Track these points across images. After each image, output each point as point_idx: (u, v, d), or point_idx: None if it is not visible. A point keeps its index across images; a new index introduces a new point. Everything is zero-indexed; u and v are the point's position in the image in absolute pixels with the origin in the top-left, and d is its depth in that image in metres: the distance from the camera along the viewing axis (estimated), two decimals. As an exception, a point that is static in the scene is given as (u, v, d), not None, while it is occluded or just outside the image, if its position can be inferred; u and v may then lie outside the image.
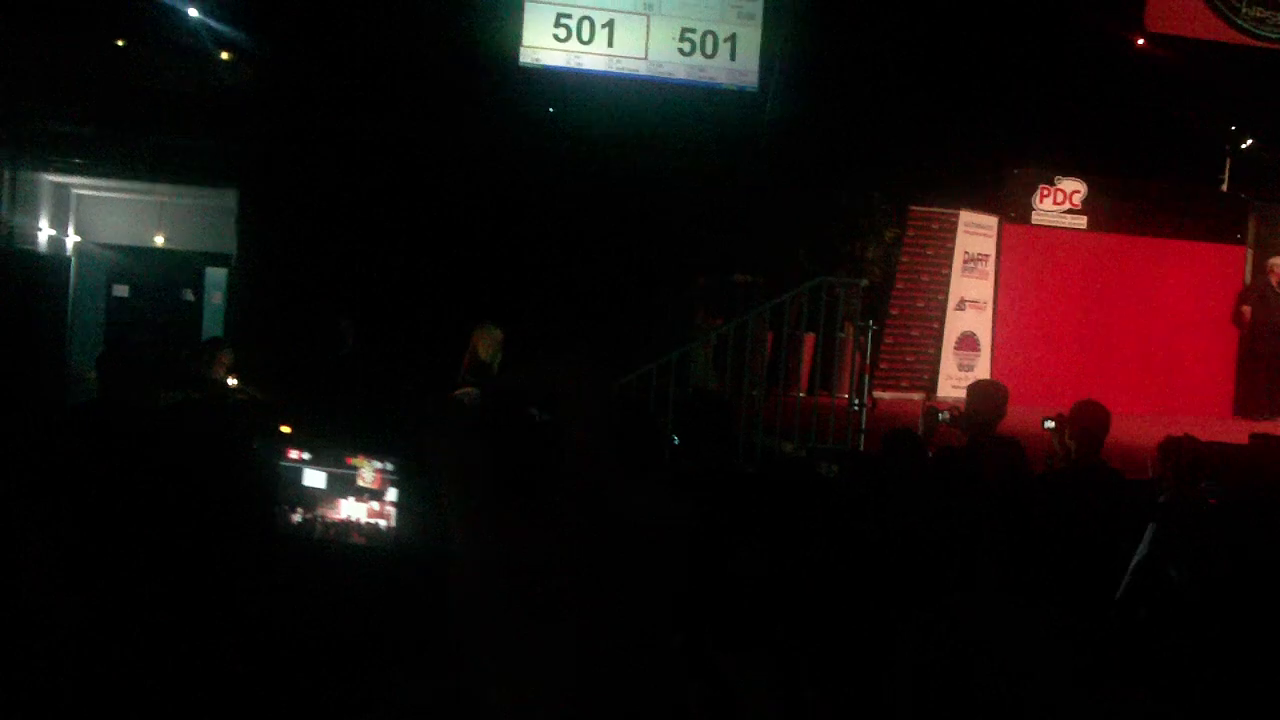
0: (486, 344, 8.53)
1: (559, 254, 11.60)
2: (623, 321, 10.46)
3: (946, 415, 6.10)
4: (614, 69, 12.08)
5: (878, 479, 5.06)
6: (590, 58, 11.99)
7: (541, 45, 11.89)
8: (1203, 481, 5.19)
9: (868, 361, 9.51)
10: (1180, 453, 5.17)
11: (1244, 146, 12.86)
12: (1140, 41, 12.61)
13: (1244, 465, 5.76)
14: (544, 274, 11.52)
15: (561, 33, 11.91)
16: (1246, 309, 12.02)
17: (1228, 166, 12.86)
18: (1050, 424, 5.52)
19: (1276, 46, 12.71)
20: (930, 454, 5.56)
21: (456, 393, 8.15)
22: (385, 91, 11.54)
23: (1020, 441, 5.54)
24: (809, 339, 10.94)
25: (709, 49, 12.27)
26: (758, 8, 12.29)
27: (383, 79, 11.48)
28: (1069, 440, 5.33)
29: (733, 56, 12.31)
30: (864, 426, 8.30)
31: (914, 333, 11.52)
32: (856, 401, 8.57)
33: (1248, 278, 12.36)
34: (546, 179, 11.57)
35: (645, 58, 12.14)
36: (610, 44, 12.03)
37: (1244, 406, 11.82)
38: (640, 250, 11.67)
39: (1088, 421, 5.31)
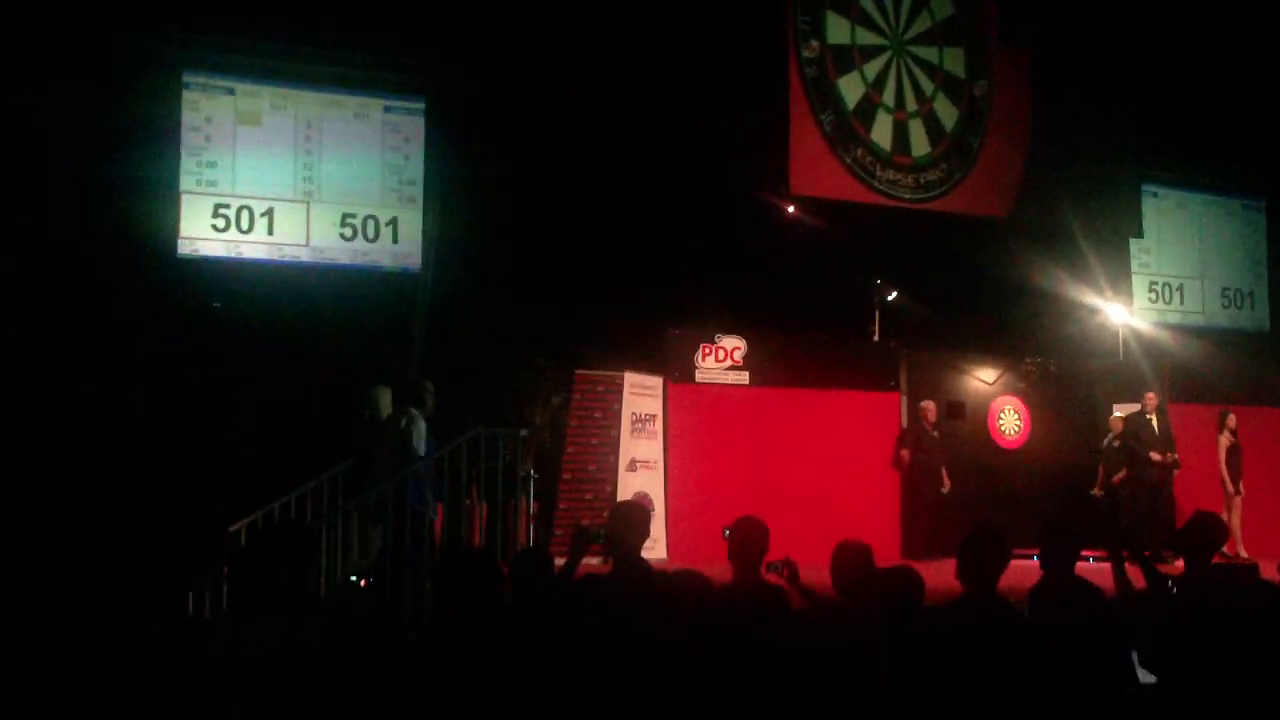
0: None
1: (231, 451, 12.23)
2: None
3: (602, 533, 6.97)
4: (276, 257, 13.05)
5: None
6: (250, 246, 12.92)
7: (200, 235, 12.72)
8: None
9: (532, 514, 10.62)
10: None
11: (890, 298, 14.81)
12: (791, 209, 14.59)
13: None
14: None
15: (220, 222, 12.79)
16: (905, 452, 13.70)
17: (876, 317, 14.67)
18: (779, 566, 6.19)
19: (909, 205, 14.87)
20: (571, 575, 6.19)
21: None
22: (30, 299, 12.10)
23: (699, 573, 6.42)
24: (483, 508, 11.99)
25: (371, 233, 13.45)
26: (418, 190, 13.58)
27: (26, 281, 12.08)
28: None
29: (395, 239, 13.48)
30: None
31: (588, 496, 12.61)
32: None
33: (903, 422, 14.11)
34: (211, 373, 12.35)
35: (307, 244, 13.21)
36: (271, 232, 13.01)
37: (910, 547, 13.31)
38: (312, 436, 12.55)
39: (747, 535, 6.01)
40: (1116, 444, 13.79)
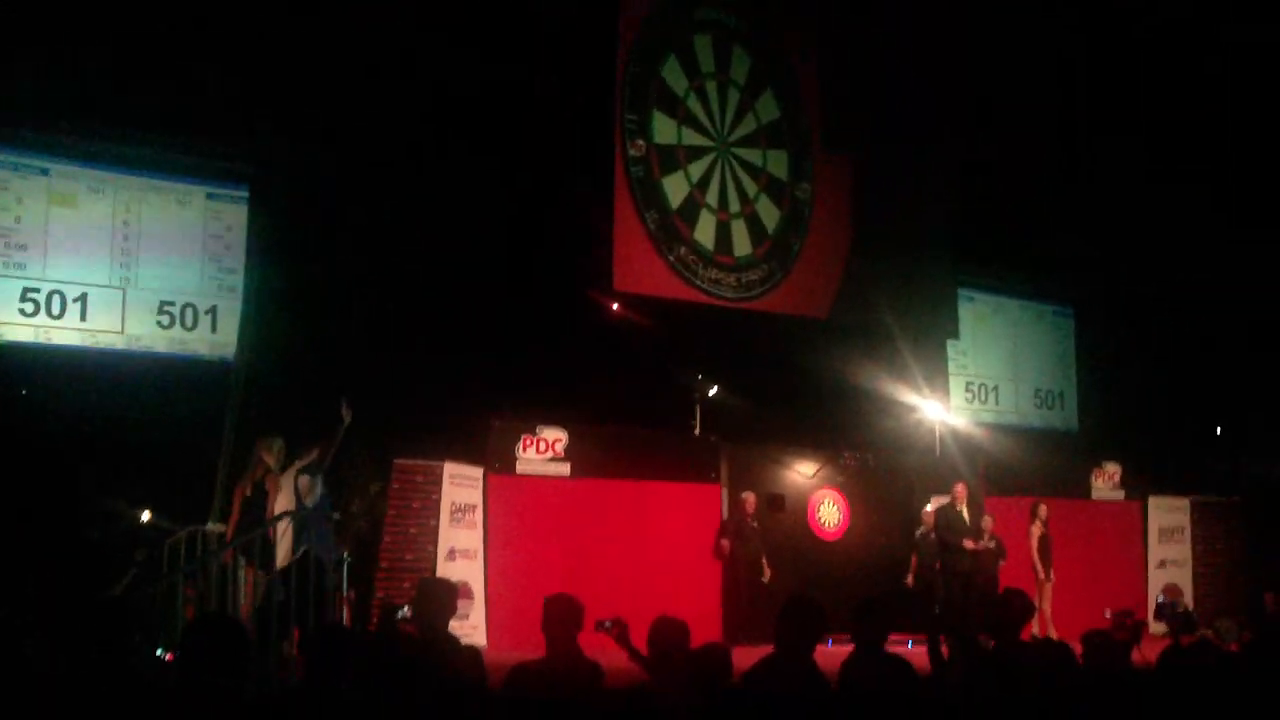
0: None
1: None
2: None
3: (405, 612, 7.12)
4: (89, 344, 12.90)
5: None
6: (62, 333, 12.76)
7: (6, 320, 12.48)
8: None
9: (348, 599, 10.75)
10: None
11: (710, 394, 15.33)
12: (615, 305, 15.06)
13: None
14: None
15: (29, 307, 12.58)
16: (725, 542, 14.12)
17: (698, 412, 15.11)
18: (608, 625, 6.65)
19: (730, 304, 15.49)
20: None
21: None
22: None
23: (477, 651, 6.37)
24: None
25: (189, 322, 13.44)
26: (239, 280, 13.65)
27: None
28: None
29: (214, 328, 13.48)
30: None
31: (405, 584, 12.73)
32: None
33: (724, 513, 14.56)
34: (19, 460, 12.18)
35: (122, 331, 13.17)
36: (84, 318, 12.84)
37: (730, 635, 13.61)
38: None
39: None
40: (932, 535, 14.43)
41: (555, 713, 5.59)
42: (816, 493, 15.53)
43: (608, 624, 6.68)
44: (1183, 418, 16.96)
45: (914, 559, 14.67)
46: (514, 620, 12.33)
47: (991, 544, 14.22)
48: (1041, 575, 14.49)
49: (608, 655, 6.31)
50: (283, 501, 10.84)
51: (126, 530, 12.29)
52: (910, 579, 14.58)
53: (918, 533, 14.74)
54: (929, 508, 14.77)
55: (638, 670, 6.57)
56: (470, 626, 12.57)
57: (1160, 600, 13.75)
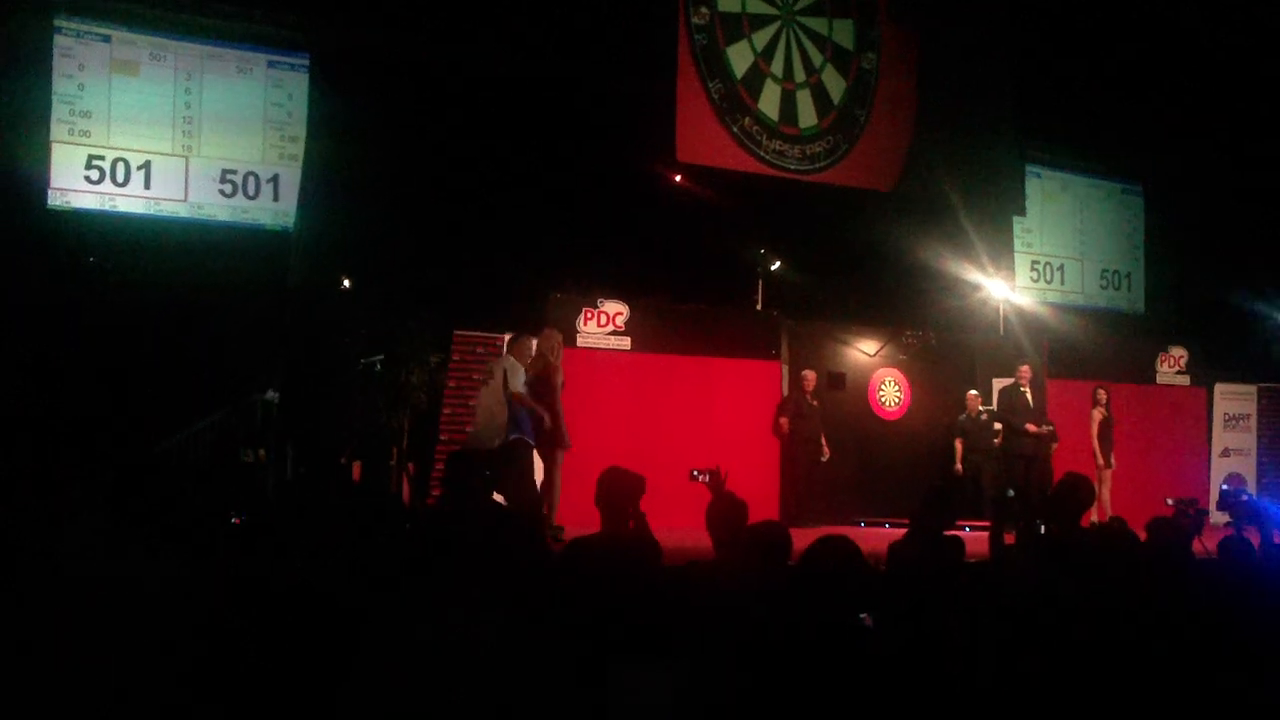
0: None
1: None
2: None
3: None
4: (152, 211, 13.30)
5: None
6: (126, 200, 13.13)
7: (72, 187, 12.87)
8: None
9: (409, 474, 11.14)
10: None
11: (773, 268, 15.50)
12: (678, 177, 15.17)
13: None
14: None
15: (94, 174, 12.93)
16: (784, 420, 14.38)
17: (760, 286, 15.31)
18: (702, 475, 6.67)
19: (794, 176, 15.57)
20: None
21: None
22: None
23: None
24: (356, 467, 12.48)
25: (251, 190, 13.75)
26: (300, 148, 13.89)
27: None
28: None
29: (276, 197, 13.82)
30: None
31: (466, 457, 13.13)
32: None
33: (784, 390, 14.82)
34: (83, 324, 12.54)
35: (185, 199, 13.49)
36: (148, 186, 13.20)
37: (789, 513, 13.98)
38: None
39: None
40: (984, 417, 14.64)
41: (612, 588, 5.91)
42: (878, 372, 15.72)
43: (703, 475, 6.68)
44: (1251, 302, 16.94)
45: (959, 445, 14.85)
46: (571, 495, 12.63)
47: (1049, 428, 14.42)
48: (1101, 462, 14.62)
49: (664, 533, 6.39)
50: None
51: None
52: (959, 466, 14.76)
53: (960, 418, 14.93)
54: (972, 392, 14.98)
55: (696, 546, 6.72)
56: (530, 499, 12.91)
57: (1224, 489, 13.88)
